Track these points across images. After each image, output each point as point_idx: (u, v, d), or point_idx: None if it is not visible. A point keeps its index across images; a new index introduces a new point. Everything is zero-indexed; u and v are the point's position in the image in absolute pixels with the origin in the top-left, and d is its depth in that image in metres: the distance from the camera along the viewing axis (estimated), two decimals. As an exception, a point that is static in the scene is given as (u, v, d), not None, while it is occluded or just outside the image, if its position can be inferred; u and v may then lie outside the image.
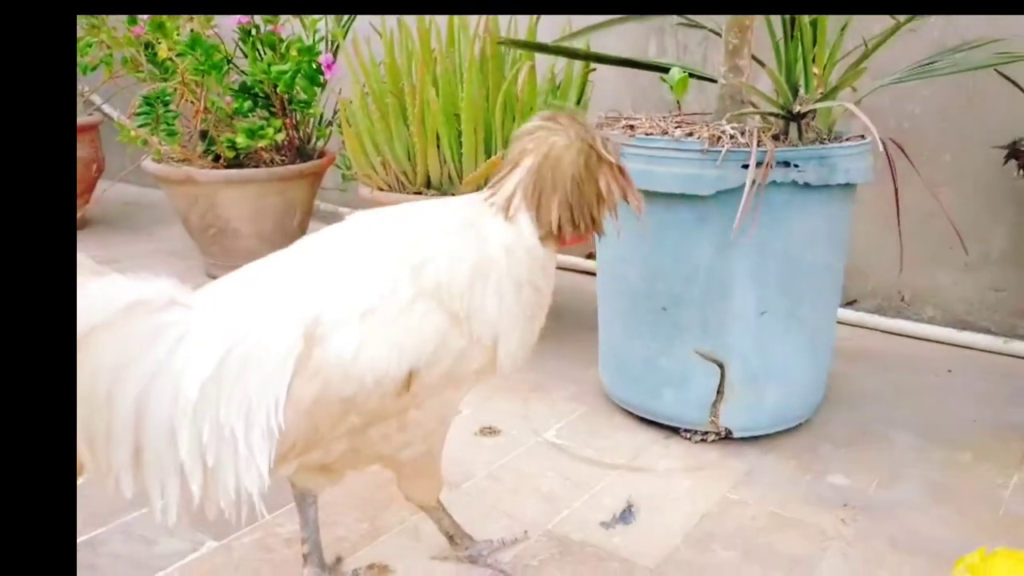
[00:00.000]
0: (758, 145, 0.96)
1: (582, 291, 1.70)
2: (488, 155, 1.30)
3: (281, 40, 1.62)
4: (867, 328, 1.53)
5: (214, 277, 1.83)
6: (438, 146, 1.30)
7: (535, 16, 1.36)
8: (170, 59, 1.60)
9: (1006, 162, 1.30)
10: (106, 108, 2.12)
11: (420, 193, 1.35)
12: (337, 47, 1.76)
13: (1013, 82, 1.20)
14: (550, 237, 0.76)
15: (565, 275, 1.84)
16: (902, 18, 1.03)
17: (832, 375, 1.27)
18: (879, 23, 1.12)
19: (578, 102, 1.38)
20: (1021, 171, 1.29)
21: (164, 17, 1.55)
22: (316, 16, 1.74)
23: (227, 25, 1.67)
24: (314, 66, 1.56)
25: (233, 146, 1.63)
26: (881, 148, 0.92)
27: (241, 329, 0.62)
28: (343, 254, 0.70)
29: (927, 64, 1.17)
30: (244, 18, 1.62)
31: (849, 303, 1.58)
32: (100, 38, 1.67)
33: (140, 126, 1.58)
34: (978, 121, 1.37)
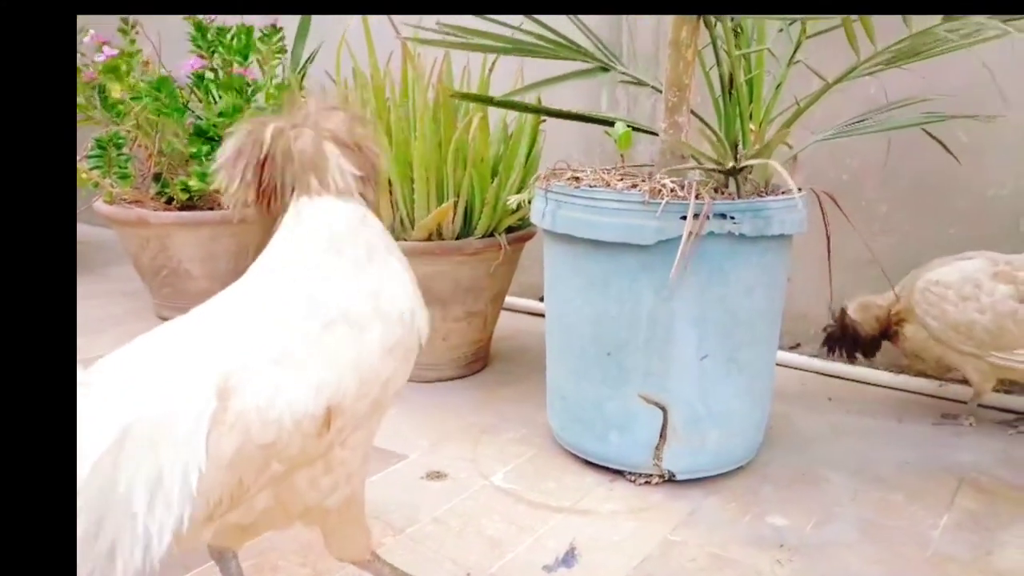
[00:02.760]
0: (696, 198, 1.00)
1: (535, 333, 1.73)
2: (440, 202, 1.33)
3: (247, 84, 1.64)
4: (809, 371, 1.57)
5: (164, 318, 1.81)
6: (391, 192, 1.33)
7: (488, 68, 1.40)
8: (122, 102, 1.61)
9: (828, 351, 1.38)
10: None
11: (372, 238, 1.37)
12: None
13: (938, 140, 1.27)
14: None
15: (519, 317, 1.86)
16: (831, 79, 1.08)
17: (775, 417, 1.31)
18: (816, 83, 1.18)
19: (529, 152, 1.42)
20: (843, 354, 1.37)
21: (119, 60, 1.56)
22: (276, 61, 1.77)
23: (183, 70, 1.68)
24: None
25: (186, 188, 1.64)
26: (800, 204, 0.97)
27: (144, 400, 0.62)
28: (240, 313, 0.71)
29: (856, 122, 1.23)
30: (197, 63, 1.64)
31: (792, 347, 1.63)
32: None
33: (92, 168, 1.57)
34: (909, 174, 1.44)
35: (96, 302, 1.94)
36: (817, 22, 1.12)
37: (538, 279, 1.24)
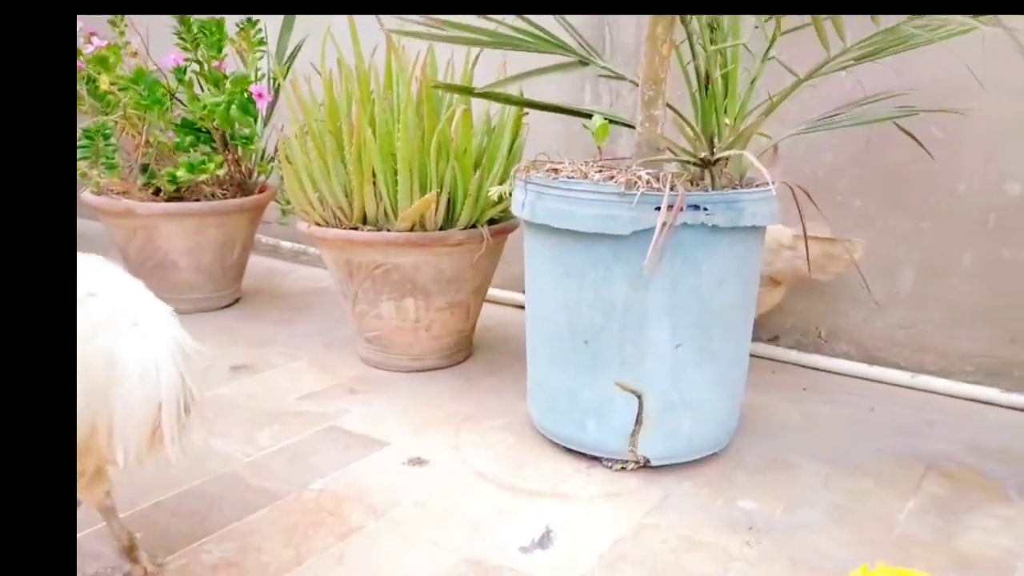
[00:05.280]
0: (671, 189, 1.03)
1: (518, 325, 1.76)
2: (423, 193, 1.35)
3: (225, 76, 1.65)
4: (787, 363, 1.60)
5: (151, 309, 1.82)
6: (374, 183, 1.35)
7: (472, 61, 1.42)
8: (111, 93, 1.63)
9: None
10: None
11: (356, 228, 1.39)
12: (279, 86, 1.80)
13: (910, 135, 1.30)
14: None
15: (502, 309, 1.89)
16: (803, 75, 1.11)
17: (749, 407, 1.34)
18: (790, 78, 1.20)
19: (512, 144, 1.44)
20: None
21: (107, 52, 1.57)
22: (258, 54, 1.78)
23: (170, 60, 1.70)
24: (246, 96, 1.59)
25: (174, 180, 1.65)
26: (775, 195, 0.99)
27: None
28: None
29: (831, 116, 1.26)
30: (179, 58, 1.66)
31: (771, 339, 1.66)
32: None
33: (80, 159, 1.59)
34: (883, 169, 1.47)
35: (83, 293, 1.95)
36: (791, 16, 1.15)
37: (521, 271, 1.26)
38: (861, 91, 1.42)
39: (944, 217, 1.44)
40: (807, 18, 1.12)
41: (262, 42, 1.76)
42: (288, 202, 1.75)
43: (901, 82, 1.39)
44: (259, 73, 1.77)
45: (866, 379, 1.52)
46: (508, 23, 1.19)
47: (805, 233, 1.36)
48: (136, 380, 0.72)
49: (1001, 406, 1.38)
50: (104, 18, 1.87)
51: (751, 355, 1.50)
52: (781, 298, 1.55)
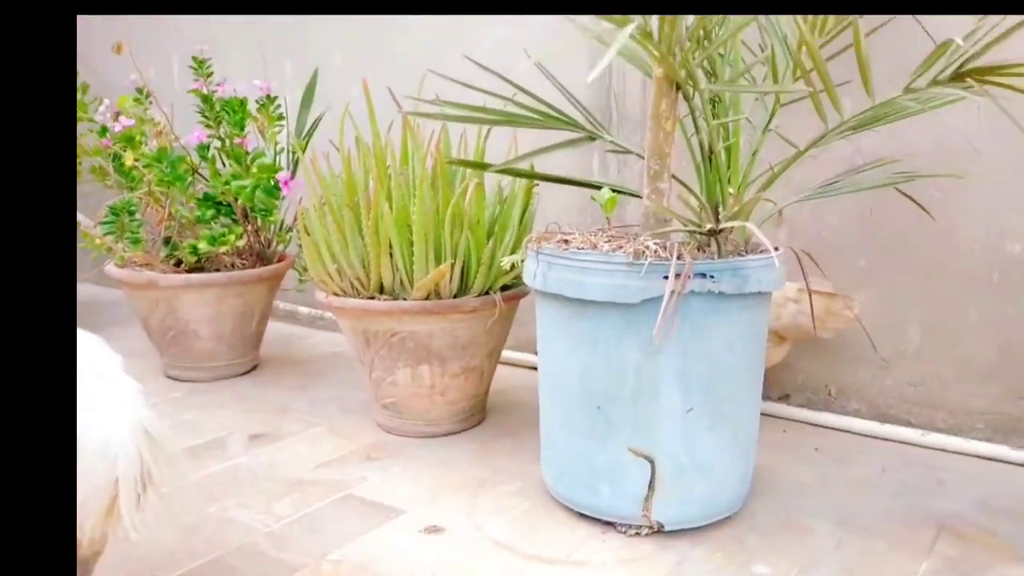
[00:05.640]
0: (678, 258, 1.07)
1: (531, 387, 1.78)
2: (438, 263, 1.39)
3: (247, 153, 1.72)
4: (798, 421, 1.62)
5: (172, 378, 1.87)
6: (391, 255, 1.39)
7: (484, 135, 1.48)
8: (136, 168, 1.70)
9: None
10: (83, 221, 2.20)
11: (373, 298, 1.43)
12: (297, 160, 1.87)
13: (910, 198, 1.34)
14: None
15: (516, 371, 1.91)
16: (802, 145, 1.16)
17: (762, 468, 1.35)
18: (790, 149, 1.25)
19: (523, 213, 1.49)
20: None
21: (133, 131, 1.64)
22: (277, 128, 1.86)
23: (191, 141, 1.77)
24: (272, 182, 1.66)
25: (195, 251, 1.71)
26: (776, 263, 1.03)
27: None
28: None
29: (831, 183, 1.30)
30: (203, 135, 1.73)
31: (781, 397, 1.67)
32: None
33: (106, 234, 1.65)
34: (887, 229, 1.51)
35: (104, 361, 1.99)
36: (789, 92, 1.20)
37: (534, 334, 1.29)
38: (860, 157, 1.47)
39: (948, 275, 1.47)
40: (803, 92, 1.18)
41: (281, 117, 1.83)
42: (305, 269, 1.79)
43: (900, 145, 1.44)
44: (278, 147, 1.84)
45: (877, 437, 1.53)
46: (518, 101, 1.25)
47: (810, 292, 1.40)
48: (94, 458, 0.76)
49: (1011, 463, 1.39)
50: (129, 95, 1.95)
51: (762, 414, 1.52)
52: (786, 354, 1.57)
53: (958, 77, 0.93)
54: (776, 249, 1.21)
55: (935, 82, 0.96)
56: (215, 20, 2.37)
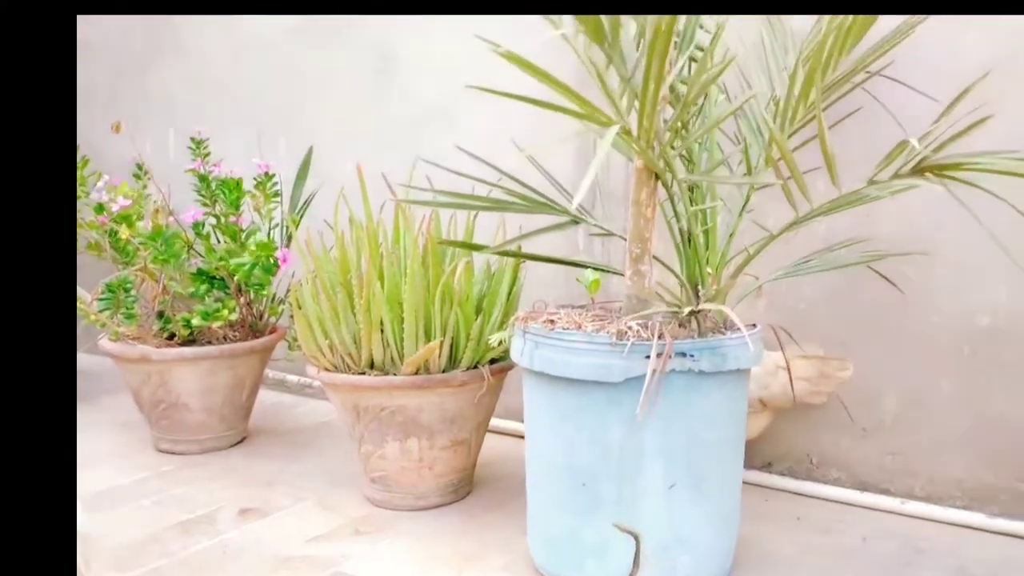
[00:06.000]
0: (658, 338, 1.11)
1: (518, 458, 1.81)
2: (428, 338, 1.43)
3: (241, 230, 1.77)
4: (780, 490, 1.65)
5: (162, 451, 1.88)
6: (382, 331, 1.43)
7: (473, 216, 1.54)
8: (130, 243, 1.74)
9: None
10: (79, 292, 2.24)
11: (363, 373, 1.46)
12: (290, 235, 1.92)
13: (882, 275, 1.41)
14: None
15: (502, 440, 1.94)
16: (775, 231, 1.22)
17: (746, 539, 1.38)
18: (768, 227, 1.31)
19: (510, 289, 1.54)
20: None
21: (132, 211, 1.69)
22: (273, 205, 1.91)
23: (187, 219, 1.82)
24: (272, 260, 1.70)
25: (188, 325, 1.74)
26: (751, 344, 1.08)
27: None
28: None
29: (805, 262, 1.36)
30: (199, 213, 1.78)
31: (764, 466, 1.71)
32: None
33: (101, 311, 1.68)
34: (862, 301, 1.57)
35: (93, 433, 2.00)
36: (762, 179, 1.27)
37: (521, 402, 1.33)
38: (833, 235, 1.54)
39: (922, 347, 1.52)
40: (777, 180, 1.25)
41: (277, 194, 1.89)
42: (296, 339, 1.83)
43: (871, 222, 1.51)
44: (273, 222, 1.89)
45: (858, 506, 1.56)
46: (504, 187, 1.31)
47: (788, 365, 1.45)
48: None
49: (987, 531, 1.42)
50: (128, 171, 2.01)
51: (745, 482, 1.55)
52: (768, 423, 1.61)
53: (918, 171, 0.99)
54: (754, 326, 1.27)
55: (897, 175, 1.02)
56: (211, 96, 2.45)
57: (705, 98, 1.29)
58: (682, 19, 1.27)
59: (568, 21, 0.98)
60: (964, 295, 1.47)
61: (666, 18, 0.87)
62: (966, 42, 1.42)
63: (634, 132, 1.06)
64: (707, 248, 1.27)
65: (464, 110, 1.96)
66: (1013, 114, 1.38)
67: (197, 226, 1.78)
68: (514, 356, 1.26)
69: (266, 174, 1.88)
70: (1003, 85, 1.37)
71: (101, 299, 1.66)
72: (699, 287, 1.28)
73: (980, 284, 1.45)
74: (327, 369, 1.50)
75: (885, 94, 1.45)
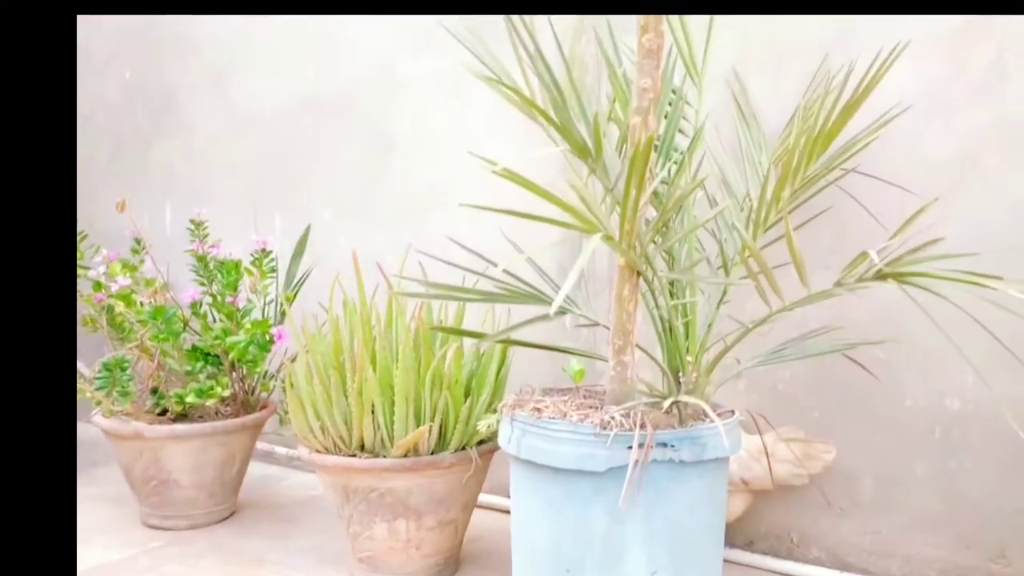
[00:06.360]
0: (641, 428, 1.16)
1: (504, 533, 1.83)
2: (417, 421, 1.48)
3: (238, 309, 1.82)
4: (762, 569, 1.68)
5: (152, 527, 1.89)
6: (373, 414, 1.48)
7: (462, 306, 1.60)
8: (127, 320, 1.78)
9: None
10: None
11: (354, 455, 1.50)
12: (284, 311, 1.97)
13: (855, 361, 1.47)
14: None
15: (488, 515, 1.96)
16: (750, 323, 1.28)
17: (726, 623, 1.40)
18: (745, 317, 1.38)
19: (498, 371, 1.59)
20: None
21: (130, 290, 1.74)
22: (268, 281, 1.96)
23: (184, 299, 1.87)
24: (268, 337, 1.75)
25: (182, 401, 1.77)
26: (726, 440, 1.13)
27: None
28: None
29: (781, 350, 1.42)
30: (197, 293, 1.83)
31: (746, 544, 1.74)
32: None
33: (98, 389, 1.71)
34: (837, 385, 1.63)
35: (83, 507, 2.00)
36: (737, 276, 1.33)
37: (507, 478, 1.36)
38: (808, 320, 1.60)
39: (895, 430, 1.57)
40: (753, 274, 1.32)
41: (273, 270, 1.95)
42: (287, 413, 1.87)
43: (845, 311, 1.58)
44: (267, 298, 1.94)
45: (838, 586, 1.59)
46: (495, 278, 1.37)
47: (768, 456, 1.50)
48: None
49: (964, 616, 1.46)
50: (127, 245, 2.06)
51: (727, 561, 1.59)
52: (750, 503, 1.65)
53: (880, 276, 1.06)
54: (732, 412, 1.32)
55: (861, 279, 1.09)
56: (209, 172, 2.52)
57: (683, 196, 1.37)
58: (662, 124, 1.36)
59: (558, 139, 1.06)
60: (935, 379, 1.53)
61: (646, 136, 0.94)
62: (930, 138, 1.51)
63: (616, 235, 1.13)
64: (687, 338, 1.33)
65: (458, 191, 2.04)
66: (972, 208, 1.47)
67: (195, 305, 1.83)
68: (502, 443, 1.30)
69: (263, 251, 1.94)
70: (962, 178, 1.47)
71: (98, 378, 1.70)
72: (679, 374, 1.33)
73: (949, 369, 1.52)
74: (318, 451, 1.53)
75: (856, 184, 1.53)
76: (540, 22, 1.26)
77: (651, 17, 1.13)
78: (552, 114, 1.01)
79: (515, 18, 1.15)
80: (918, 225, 1.17)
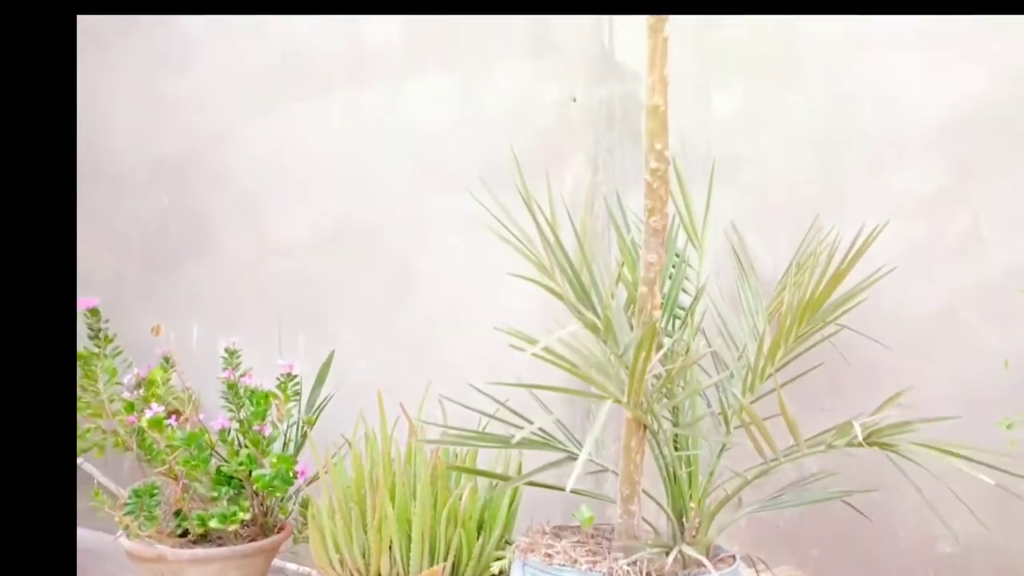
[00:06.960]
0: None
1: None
2: (432, 556, 1.55)
3: (263, 437, 1.91)
4: None
5: (167, 649, 1.92)
6: (390, 548, 1.55)
7: (474, 452, 1.69)
8: (155, 442, 1.87)
9: None
10: (98, 477, 2.35)
11: (372, 588, 1.56)
12: (305, 433, 2.06)
13: (851, 505, 1.54)
14: None
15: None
16: (749, 475, 1.37)
17: None
18: (746, 463, 1.46)
19: (510, 505, 1.67)
20: None
21: (162, 415, 1.84)
22: (291, 404, 2.06)
23: (215, 426, 1.96)
24: (292, 474, 1.84)
25: (204, 524, 1.84)
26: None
27: None
28: None
29: (777, 497, 1.50)
30: (226, 421, 1.93)
31: None
32: (98, 423, 1.96)
33: (126, 514, 1.79)
34: (835, 522, 1.69)
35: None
36: (733, 436, 1.43)
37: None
38: (806, 462, 1.69)
39: (890, 571, 1.63)
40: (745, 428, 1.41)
41: (297, 393, 2.04)
42: (301, 530, 1.94)
43: (840, 457, 1.65)
44: (290, 419, 2.03)
45: None
46: (509, 422, 1.47)
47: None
48: None
49: None
50: (151, 352, 2.15)
51: None
52: None
53: (865, 443, 1.16)
54: (733, 558, 1.39)
55: (849, 443, 1.19)
56: (236, 293, 2.66)
57: (687, 351, 1.48)
58: (667, 284, 1.49)
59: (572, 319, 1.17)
60: (927, 523, 1.60)
61: (652, 324, 1.06)
62: (915, 293, 1.63)
63: (624, 394, 1.23)
64: (690, 485, 1.42)
65: (477, 323, 2.15)
66: (956, 360, 1.57)
67: (223, 432, 1.92)
68: (514, 585, 1.37)
69: (288, 375, 2.04)
70: (946, 329, 1.58)
71: (128, 504, 1.78)
72: (683, 517, 1.41)
73: (943, 511, 1.58)
74: (337, 582, 1.60)
75: (847, 336, 1.64)
76: (552, 193, 1.40)
77: (658, 199, 1.27)
78: (570, 295, 1.13)
79: (531, 198, 1.28)
80: (908, 377, 1.27)
